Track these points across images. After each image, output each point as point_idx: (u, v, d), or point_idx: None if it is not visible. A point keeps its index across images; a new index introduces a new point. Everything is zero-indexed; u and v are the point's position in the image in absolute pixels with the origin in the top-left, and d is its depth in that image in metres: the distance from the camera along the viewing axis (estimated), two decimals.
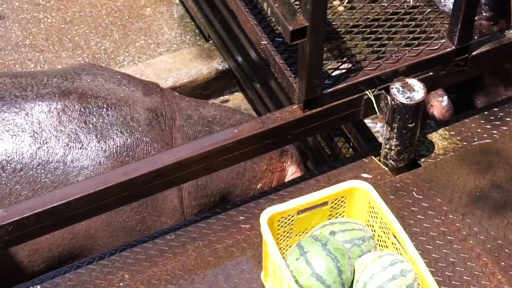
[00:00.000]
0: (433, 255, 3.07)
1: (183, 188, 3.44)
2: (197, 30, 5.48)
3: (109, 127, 3.31)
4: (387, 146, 3.28)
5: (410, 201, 3.25)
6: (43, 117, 3.30)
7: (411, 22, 3.35)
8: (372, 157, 3.43)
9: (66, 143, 3.26)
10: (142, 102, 3.44)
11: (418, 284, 2.74)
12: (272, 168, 3.69)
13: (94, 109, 3.34)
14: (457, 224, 3.17)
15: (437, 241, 3.11)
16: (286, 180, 3.77)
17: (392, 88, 3.13)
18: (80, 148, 3.26)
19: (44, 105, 3.32)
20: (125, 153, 3.30)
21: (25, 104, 3.32)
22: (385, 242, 2.89)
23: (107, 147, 3.28)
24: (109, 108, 3.35)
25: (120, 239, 3.37)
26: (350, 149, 3.93)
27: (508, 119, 3.57)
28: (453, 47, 3.24)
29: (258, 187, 3.66)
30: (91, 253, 3.34)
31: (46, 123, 3.28)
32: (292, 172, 3.77)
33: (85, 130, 3.29)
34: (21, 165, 3.23)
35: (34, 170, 3.23)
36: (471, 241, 3.12)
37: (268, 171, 3.68)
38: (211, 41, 5.38)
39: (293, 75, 3.12)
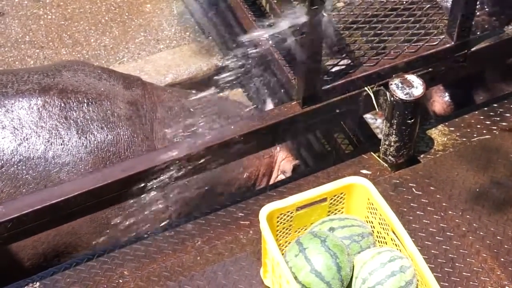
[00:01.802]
0: (433, 251, 3.07)
1: None
2: (196, 27, 5.47)
3: (89, 122, 3.30)
4: (387, 142, 3.27)
5: (410, 197, 3.25)
6: (23, 113, 3.28)
7: (410, 18, 3.35)
8: (372, 153, 3.43)
9: (47, 139, 3.25)
10: (122, 96, 3.43)
11: (417, 280, 2.74)
12: (259, 155, 3.65)
13: (74, 104, 3.33)
14: (457, 220, 3.17)
15: (437, 237, 3.11)
16: (276, 166, 3.72)
17: (391, 84, 3.13)
18: (61, 144, 3.25)
19: (24, 101, 3.31)
20: (106, 149, 3.28)
21: (5, 100, 3.31)
22: (384, 238, 2.89)
23: (88, 143, 3.27)
24: (89, 103, 3.34)
25: (104, 235, 3.35)
26: (350, 145, 3.92)
27: (508, 115, 3.56)
28: (452, 43, 3.24)
29: (245, 175, 3.62)
30: (75, 250, 3.33)
31: (27, 119, 3.27)
32: (282, 157, 3.72)
33: (66, 126, 3.27)
34: (2, 162, 3.22)
35: (15, 166, 3.21)
36: (470, 237, 3.11)
37: (255, 158, 3.63)
38: (210, 38, 5.38)
39: (292, 71, 3.12)
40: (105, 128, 3.30)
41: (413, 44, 3.24)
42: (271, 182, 3.72)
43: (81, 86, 3.40)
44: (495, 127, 3.50)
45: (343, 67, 3.17)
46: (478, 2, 3.37)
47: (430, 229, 3.14)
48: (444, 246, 3.08)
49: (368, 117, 4.42)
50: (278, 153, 3.72)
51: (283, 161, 3.73)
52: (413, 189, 3.28)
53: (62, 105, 3.31)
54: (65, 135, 3.25)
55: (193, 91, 3.87)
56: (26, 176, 3.21)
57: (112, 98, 3.38)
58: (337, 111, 3.20)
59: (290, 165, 3.67)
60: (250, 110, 3.84)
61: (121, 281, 3.03)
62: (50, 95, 3.32)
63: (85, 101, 3.34)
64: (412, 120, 3.15)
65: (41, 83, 3.38)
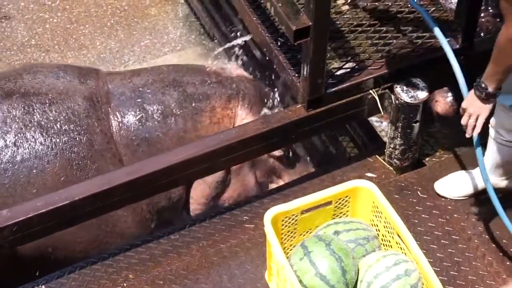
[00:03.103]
0: (438, 254, 3.06)
1: None
2: (202, 30, 5.48)
3: (53, 124, 3.32)
4: (392, 145, 3.27)
5: (415, 200, 3.25)
6: None
7: (414, 21, 3.34)
8: (377, 156, 3.42)
9: (13, 143, 3.27)
10: (80, 91, 3.43)
11: (423, 284, 2.73)
12: (216, 120, 3.53)
13: (37, 106, 3.34)
14: (462, 224, 3.16)
15: (442, 241, 3.11)
16: (237, 124, 3.53)
17: (396, 87, 3.12)
18: (28, 148, 3.26)
19: None
20: (70, 150, 3.30)
21: None
22: (390, 241, 2.88)
23: (53, 145, 3.29)
24: (51, 104, 3.36)
25: (78, 235, 3.33)
26: (355, 148, 3.92)
27: None
28: (457, 45, 3.23)
29: None
30: (51, 252, 3.32)
31: None
32: (242, 117, 3.57)
33: (31, 129, 3.29)
34: None
35: None
36: (476, 241, 3.11)
37: (213, 124, 3.52)
38: (215, 41, 5.38)
39: (296, 75, 3.12)
40: (68, 129, 3.32)
41: (418, 47, 3.24)
42: None
43: (42, 87, 3.42)
44: None
45: (348, 70, 3.16)
46: (482, 4, 3.36)
47: (436, 233, 3.13)
48: (449, 250, 3.08)
49: (373, 120, 4.41)
50: (238, 111, 3.58)
51: (243, 120, 3.55)
52: (418, 192, 3.28)
53: (26, 108, 3.34)
54: (31, 139, 3.28)
55: (148, 68, 3.77)
56: None
57: (71, 95, 3.40)
58: (342, 114, 3.19)
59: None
60: (211, 75, 3.66)
61: (126, 284, 3.03)
62: (13, 99, 3.35)
63: (47, 102, 3.36)
64: (417, 123, 3.15)
65: (4, 88, 3.41)
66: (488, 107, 2.72)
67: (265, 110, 3.60)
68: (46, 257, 3.32)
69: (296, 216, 2.88)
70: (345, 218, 2.97)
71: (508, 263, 3.03)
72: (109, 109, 3.41)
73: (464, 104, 2.76)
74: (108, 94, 3.45)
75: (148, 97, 3.46)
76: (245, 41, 3.83)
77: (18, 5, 5.61)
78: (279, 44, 3.23)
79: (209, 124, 3.49)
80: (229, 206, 3.32)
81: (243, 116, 3.57)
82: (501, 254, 3.06)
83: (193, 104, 3.46)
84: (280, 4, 2.81)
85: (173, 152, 3.12)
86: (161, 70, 3.66)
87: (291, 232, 2.93)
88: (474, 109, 2.72)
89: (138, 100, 3.43)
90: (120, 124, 3.39)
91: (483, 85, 2.68)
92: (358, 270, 2.78)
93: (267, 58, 3.42)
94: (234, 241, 3.16)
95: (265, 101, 3.62)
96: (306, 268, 2.71)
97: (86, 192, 2.92)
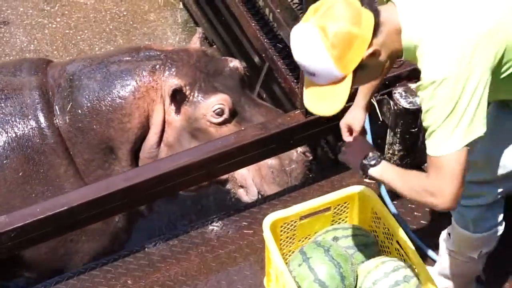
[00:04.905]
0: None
1: (76, 162, 3.39)
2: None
3: (8, 118, 3.34)
4: (390, 151, 3.27)
5: (413, 206, 3.24)
6: None
7: None
8: None
9: None
10: (31, 86, 3.43)
11: None
12: (140, 94, 3.41)
13: None
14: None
15: None
16: (167, 93, 3.39)
17: (395, 93, 3.12)
18: None
19: None
20: (26, 144, 3.31)
21: None
22: (389, 247, 2.88)
23: (10, 140, 3.31)
24: (7, 99, 3.38)
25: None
26: None
27: None
28: None
29: (137, 122, 3.41)
30: (24, 254, 3.32)
31: None
32: (168, 84, 3.39)
33: None
34: None
35: None
36: None
37: (137, 99, 3.41)
38: (214, 46, 5.39)
39: (295, 80, 3.12)
40: (22, 124, 3.33)
41: None
42: (166, 107, 3.45)
43: None
44: None
45: None
46: None
47: (435, 239, 3.12)
48: None
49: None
50: (164, 82, 3.42)
51: (172, 87, 3.37)
52: None
53: None
54: None
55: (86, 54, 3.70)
56: None
57: (24, 90, 3.42)
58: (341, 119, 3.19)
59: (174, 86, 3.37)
60: (141, 51, 3.54)
61: None
62: None
63: (3, 97, 3.39)
64: (416, 129, 3.15)
65: None
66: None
67: (198, 73, 3.44)
68: (19, 257, 3.32)
69: (295, 222, 2.88)
70: (344, 224, 2.97)
71: (508, 269, 3.03)
72: (53, 102, 3.41)
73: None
74: (52, 87, 3.46)
75: (75, 84, 3.43)
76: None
77: (17, 10, 5.62)
78: (277, 49, 3.23)
79: (134, 100, 3.40)
80: (228, 212, 3.32)
81: (168, 82, 3.41)
82: (500, 259, 3.05)
83: (115, 83, 3.41)
84: (278, 10, 2.82)
85: (171, 158, 3.12)
86: (94, 55, 3.64)
87: (290, 238, 2.93)
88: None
89: (69, 89, 3.42)
90: (61, 116, 3.39)
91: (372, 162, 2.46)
92: (357, 276, 2.78)
93: None
94: (232, 247, 3.16)
95: (204, 66, 3.47)
96: (305, 274, 2.71)
97: (84, 198, 2.92)
